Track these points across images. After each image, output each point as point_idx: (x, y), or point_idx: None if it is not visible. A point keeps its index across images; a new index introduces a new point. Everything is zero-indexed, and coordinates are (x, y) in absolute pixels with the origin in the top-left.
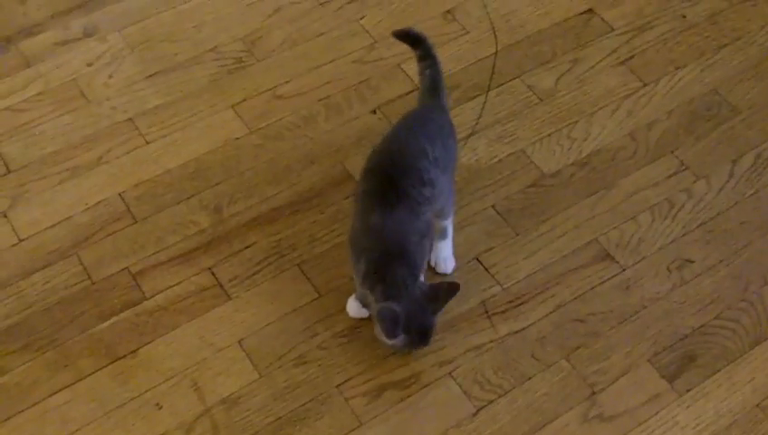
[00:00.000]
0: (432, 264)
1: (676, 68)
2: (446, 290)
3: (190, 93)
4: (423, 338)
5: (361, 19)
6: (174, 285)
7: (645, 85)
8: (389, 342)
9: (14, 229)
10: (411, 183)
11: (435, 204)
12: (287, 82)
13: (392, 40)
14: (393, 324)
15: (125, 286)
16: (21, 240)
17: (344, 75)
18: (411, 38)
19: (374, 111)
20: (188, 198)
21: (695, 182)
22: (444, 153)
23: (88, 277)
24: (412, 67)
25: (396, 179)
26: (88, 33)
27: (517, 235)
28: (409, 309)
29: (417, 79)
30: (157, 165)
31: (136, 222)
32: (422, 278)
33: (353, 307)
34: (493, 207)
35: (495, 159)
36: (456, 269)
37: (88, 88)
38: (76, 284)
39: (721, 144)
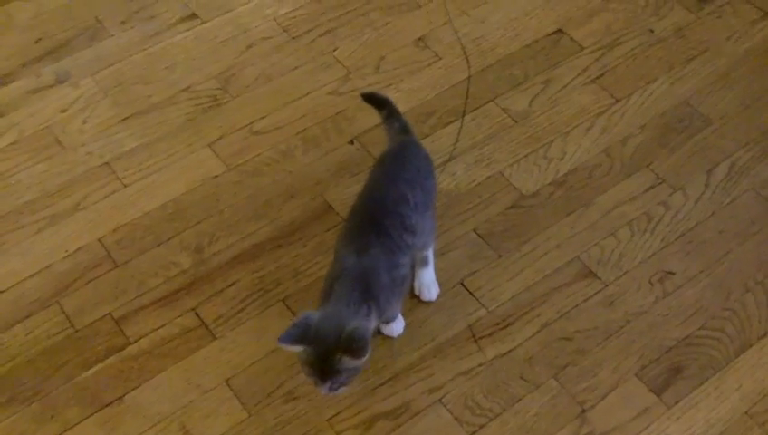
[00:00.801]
0: (416, 292)
1: (647, 82)
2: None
3: (166, 134)
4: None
5: (334, 51)
6: (158, 328)
7: (617, 101)
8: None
9: None
10: (393, 225)
11: (414, 248)
12: (263, 117)
13: (366, 70)
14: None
15: (108, 332)
16: (0, 292)
17: (320, 107)
18: (377, 101)
19: (351, 142)
20: (169, 240)
21: (671, 194)
22: (423, 196)
23: (70, 325)
24: (390, 95)
25: (377, 220)
26: (60, 80)
27: (500, 257)
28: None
29: None
30: (135, 208)
31: (117, 267)
32: (399, 317)
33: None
34: (474, 230)
35: (474, 183)
36: (439, 295)
37: (63, 134)
38: (59, 332)
39: (695, 155)
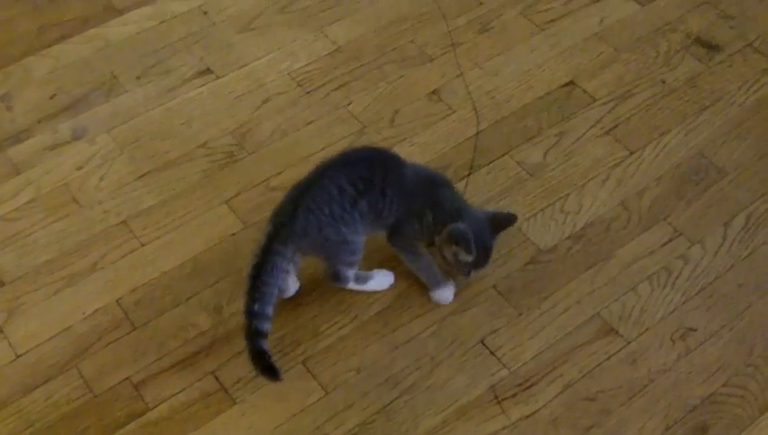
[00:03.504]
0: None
1: (661, 134)
2: (505, 218)
3: (183, 191)
4: (486, 257)
5: (349, 105)
6: (177, 393)
7: (631, 153)
8: (466, 259)
9: (11, 345)
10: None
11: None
12: (280, 172)
13: (381, 124)
14: (468, 240)
15: (127, 397)
16: (19, 355)
17: None
18: None
19: None
20: (187, 300)
21: (690, 248)
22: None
23: (89, 390)
24: (403, 150)
25: None
26: (77, 136)
27: (520, 314)
28: (474, 229)
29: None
30: (153, 267)
31: (135, 329)
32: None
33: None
34: (494, 287)
35: None
36: (461, 355)
37: (79, 192)
38: (78, 398)
39: (712, 207)
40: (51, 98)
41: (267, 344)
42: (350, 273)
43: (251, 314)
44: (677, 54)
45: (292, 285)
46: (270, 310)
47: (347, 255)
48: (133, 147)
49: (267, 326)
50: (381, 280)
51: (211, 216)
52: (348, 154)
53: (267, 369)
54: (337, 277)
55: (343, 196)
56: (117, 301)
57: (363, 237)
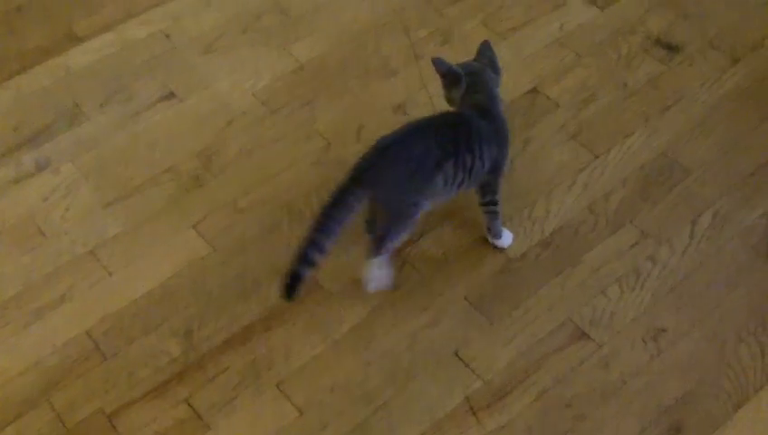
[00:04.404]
0: None
1: (625, 136)
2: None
3: (149, 217)
4: None
5: (314, 122)
6: (150, 423)
7: (597, 157)
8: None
9: None
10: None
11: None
12: (247, 193)
13: (347, 139)
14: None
15: (101, 429)
16: None
17: (303, 179)
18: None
19: None
20: (157, 327)
21: (658, 248)
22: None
23: (62, 424)
24: None
25: None
26: (40, 167)
27: (492, 323)
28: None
29: None
30: (122, 296)
31: (106, 359)
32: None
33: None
34: (465, 298)
35: (462, 248)
36: (435, 366)
37: (45, 224)
38: (50, 432)
39: (678, 206)
40: (13, 130)
41: (307, 274)
42: (391, 246)
43: (309, 240)
44: (638, 56)
45: (384, 279)
46: (328, 245)
47: (405, 221)
48: (98, 175)
49: (318, 258)
50: None
51: (178, 241)
52: (435, 118)
53: (289, 288)
54: (380, 246)
55: (429, 156)
56: (86, 332)
57: (428, 206)
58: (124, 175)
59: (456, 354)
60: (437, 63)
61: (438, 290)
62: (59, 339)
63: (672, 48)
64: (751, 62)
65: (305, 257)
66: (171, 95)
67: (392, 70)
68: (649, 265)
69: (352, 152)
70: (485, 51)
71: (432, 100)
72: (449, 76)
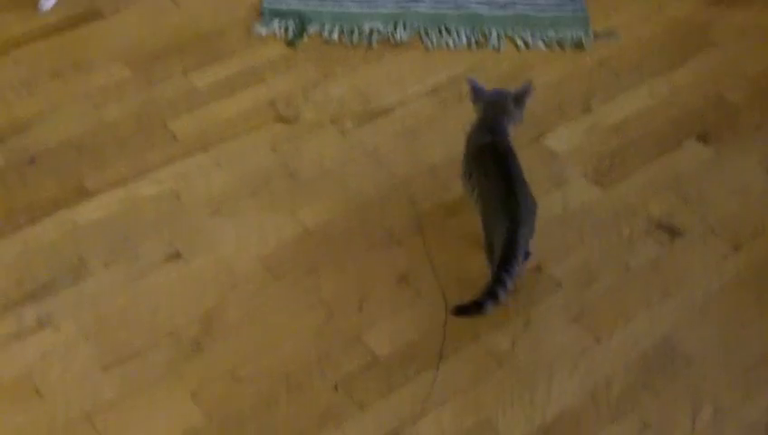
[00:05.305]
0: None
1: (627, 320)
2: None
3: (147, 382)
4: None
5: (317, 290)
6: None
7: (598, 341)
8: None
9: None
10: None
11: None
12: (246, 362)
13: (349, 310)
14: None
15: None
16: None
17: (303, 351)
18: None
19: (335, 388)
20: None
21: None
22: None
23: None
24: (372, 338)
25: None
26: (42, 323)
27: None
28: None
29: (376, 351)
30: None
31: None
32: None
33: None
34: None
35: (461, 432)
36: None
37: (42, 383)
38: None
39: (679, 398)
40: (17, 283)
41: (490, 310)
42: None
43: (500, 282)
44: (640, 238)
45: None
46: (512, 285)
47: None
48: (98, 335)
49: (504, 297)
50: None
51: (175, 409)
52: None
53: (466, 310)
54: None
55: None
56: None
57: None
58: (124, 337)
59: None
60: (469, 80)
61: None
62: None
63: (674, 231)
64: (752, 250)
65: (495, 295)
66: (177, 255)
67: (397, 240)
68: None
69: (354, 323)
70: (524, 90)
71: (436, 272)
72: (473, 92)
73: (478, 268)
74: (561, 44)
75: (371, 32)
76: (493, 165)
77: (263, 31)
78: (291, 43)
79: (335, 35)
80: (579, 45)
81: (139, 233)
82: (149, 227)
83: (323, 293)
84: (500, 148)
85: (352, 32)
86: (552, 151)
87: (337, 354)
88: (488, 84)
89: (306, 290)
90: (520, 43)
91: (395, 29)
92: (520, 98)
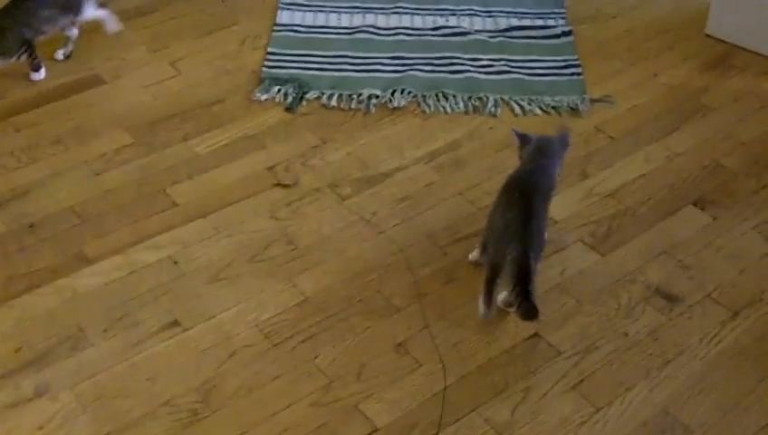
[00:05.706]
0: None
1: (626, 389)
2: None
3: None
4: None
5: (316, 358)
6: None
7: (598, 410)
8: None
9: None
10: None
11: None
12: (244, 432)
13: (348, 378)
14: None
15: None
16: None
17: (301, 421)
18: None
19: None
20: None
21: None
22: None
23: None
24: (370, 407)
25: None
26: (39, 393)
27: None
28: None
29: (375, 421)
30: None
31: None
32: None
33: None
34: None
35: None
36: None
37: None
38: None
39: None
40: (15, 352)
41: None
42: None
43: (528, 299)
44: (638, 306)
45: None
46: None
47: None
48: (96, 405)
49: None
50: None
51: None
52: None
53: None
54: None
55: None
56: None
57: None
58: (122, 407)
59: None
60: (514, 130)
61: None
62: None
63: (672, 299)
64: (750, 317)
65: (533, 313)
66: (175, 323)
67: (395, 307)
68: None
69: (352, 392)
70: (565, 136)
71: (435, 341)
72: (520, 139)
73: (477, 335)
74: (557, 110)
75: (370, 97)
76: (521, 194)
77: (262, 97)
78: (290, 109)
79: (334, 101)
80: (575, 111)
81: (138, 301)
82: (148, 295)
83: (321, 361)
84: (538, 180)
85: (351, 97)
86: (549, 217)
87: (335, 424)
88: (483, 150)
89: (304, 358)
90: (517, 108)
91: (393, 94)
92: (563, 142)
